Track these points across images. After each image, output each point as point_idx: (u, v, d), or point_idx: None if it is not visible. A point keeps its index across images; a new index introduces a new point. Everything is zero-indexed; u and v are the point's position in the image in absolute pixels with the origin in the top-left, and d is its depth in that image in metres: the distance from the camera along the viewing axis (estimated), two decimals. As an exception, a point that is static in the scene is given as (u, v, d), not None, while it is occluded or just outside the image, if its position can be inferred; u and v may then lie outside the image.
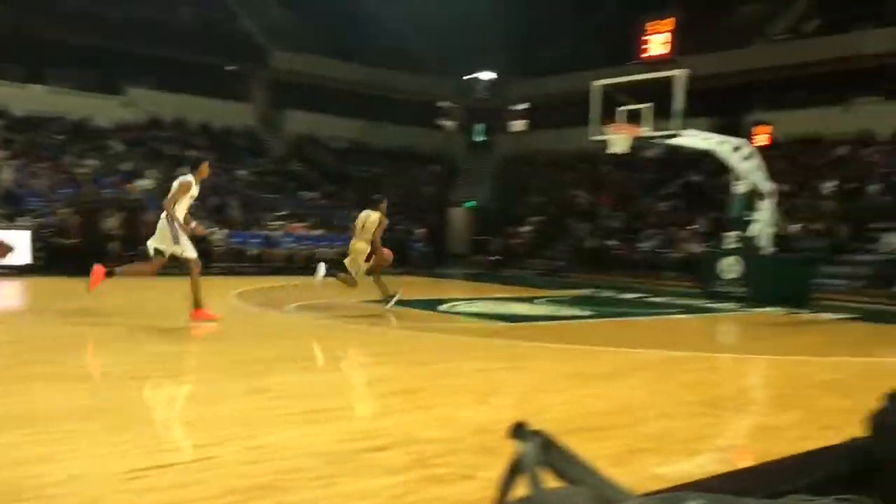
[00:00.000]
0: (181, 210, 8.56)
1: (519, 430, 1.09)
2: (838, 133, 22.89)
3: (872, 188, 20.14)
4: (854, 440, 1.34)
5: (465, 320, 10.46)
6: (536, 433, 1.12)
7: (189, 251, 8.51)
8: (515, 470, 1.05)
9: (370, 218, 10.62)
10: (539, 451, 1.07)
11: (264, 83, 29.27)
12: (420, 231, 23.20)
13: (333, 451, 3.68)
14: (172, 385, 5.70)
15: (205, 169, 8.79)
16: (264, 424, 4.22)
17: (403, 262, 22.14)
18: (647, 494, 1.14)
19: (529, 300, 13.51)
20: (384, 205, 10.81)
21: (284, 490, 3.12)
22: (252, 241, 19.34)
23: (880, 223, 18.89)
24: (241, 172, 24.17)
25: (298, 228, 20.67)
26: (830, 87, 24.44)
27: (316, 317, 10.08)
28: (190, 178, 8.60)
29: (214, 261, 18.43)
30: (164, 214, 8.55)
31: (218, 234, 18.96)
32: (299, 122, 28.88)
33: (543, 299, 13.83)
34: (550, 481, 1.00)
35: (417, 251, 22.44)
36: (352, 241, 10.88)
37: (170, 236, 8.44)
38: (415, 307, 11.56)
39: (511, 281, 18.51)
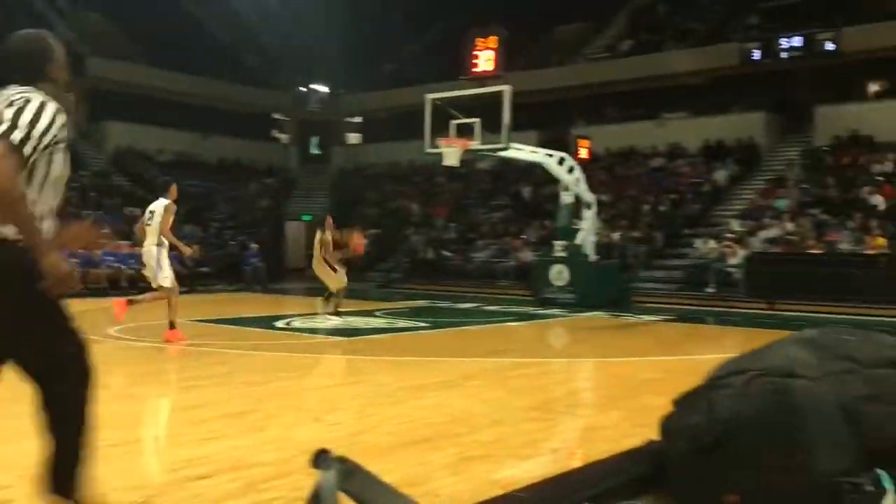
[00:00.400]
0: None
1: (319, 459, 1.06)
2: (651, 146, 24.55)
3: (684, 197, 21.74)
4: (650, 442, 1.41)
5: (302, 337, 10.27)
6: (338, 460, 1.10)
7: (169, 281, 8.81)
8: (316, 499, 1.02)
9: (317, 238, 11.69)
10: (340, 478, 1.05)
11: (80, 92, 27.51)
12: (254, 246, 22.59)
13: (154, 483, 3.49)
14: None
15: (174, 190, 9.01)
16: (78, 460, 3.92)
17: (238, 278, 21.52)
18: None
19: (367, 313, 13.49)
20: (327, 221, 11.95)
21: (98, 530, 2.91)
22: (70, 261, 18.06)
23: (691, 230, 20.45)
24: (57, 188, 22.54)
25: (122, 246, 19.54)
26: (643, 104, 26.20)
27: (139, 341, 9.55)
28: (168, 200, 8.85)
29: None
30: (147, 243, 8.84)
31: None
32: (121, 133, 27.35)
33: (381, 312, 13.85)
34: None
35: (252, 266, 21.82)
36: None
37: (154, 265, 8.73)
38: (250, 325, 11.24)
39: (349, 294, 18.37)
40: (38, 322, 2.64)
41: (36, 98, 2.62)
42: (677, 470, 1.28)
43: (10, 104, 2.58)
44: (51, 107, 2.63)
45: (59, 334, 2.72)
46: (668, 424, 1.34)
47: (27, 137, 2.53)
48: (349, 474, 1.03)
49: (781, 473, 1.21)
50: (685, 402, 1.40)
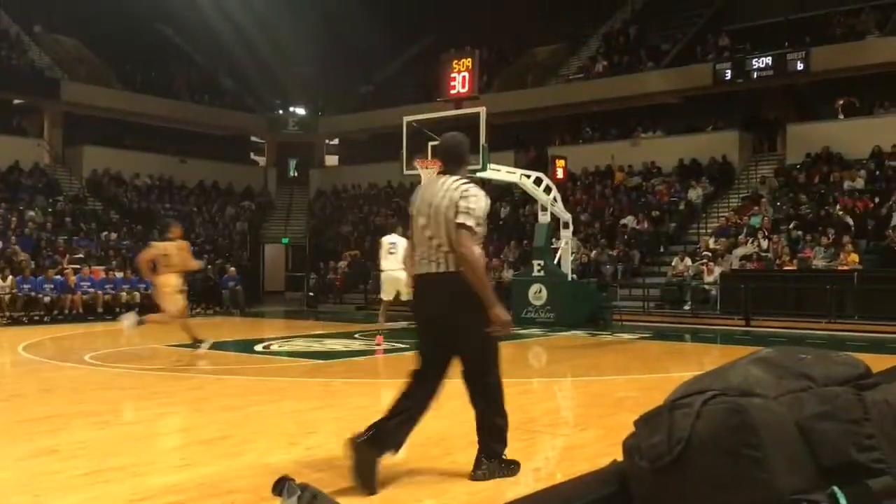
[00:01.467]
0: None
1: (280, 485, 1.07)
2: (627, 166, 24.76)
3: (659, 216, 21.91)
4: (615, 463, 1.43)
5: (281, 360, 10.22)
6: (302, 487, 1.11)
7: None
8: (278, 527, 1.03)
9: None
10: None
11: (57, 117, 27.35)
12: (232, 269, 22.45)
13: (127, 512, 3.45)
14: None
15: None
16: (49, 489, 3.88)
17: (216, 301, 21.35)
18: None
19: (347, 335, 13.45)
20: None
21: (69, 561, 2.88)
22: (45, 287, 17.86)
23: (668, 247, 20.61)
24: (31, 213, 22.36)
25: (98, 272, 19.36)
26: (619, 124, 26.47)
27: (116, 366, 9.45)
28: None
29: (2, 311, 16.94)
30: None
31: (1, 283, 17.39)
32: (97, 158, 27.19)
33: (360, 334, 13.81)
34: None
35: (230, 290, 21.66)
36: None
37: None
38: (229, 349, 11.16)
39: (329, 317, 18.35)
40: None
41: (472, 187, 3.84)
42: (639, 490, 1.30)
43: (465, 193, 3.80)
44: (480, 191, 3.86)
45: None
46: (630, 444, 1.37)
47: (479, 220, 3.81)
48: (312, 500, 1.04)
49: (739, 492, 1.23)
50: (647, 422, 1.43)
